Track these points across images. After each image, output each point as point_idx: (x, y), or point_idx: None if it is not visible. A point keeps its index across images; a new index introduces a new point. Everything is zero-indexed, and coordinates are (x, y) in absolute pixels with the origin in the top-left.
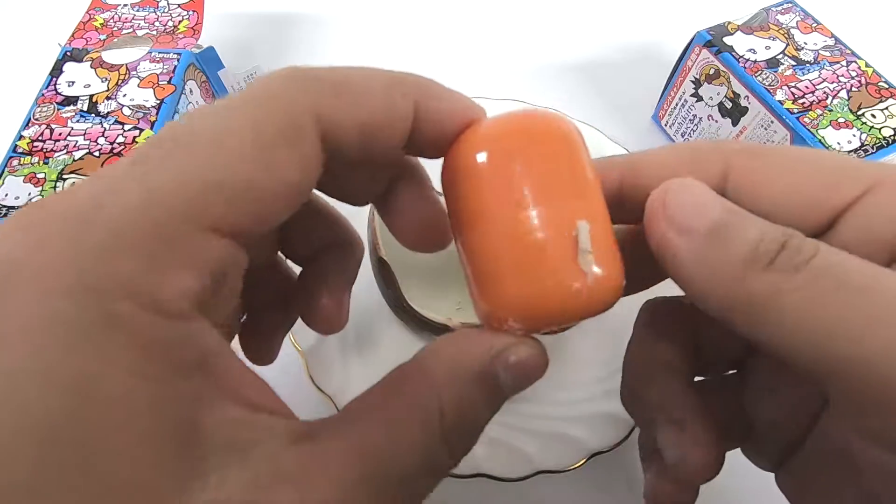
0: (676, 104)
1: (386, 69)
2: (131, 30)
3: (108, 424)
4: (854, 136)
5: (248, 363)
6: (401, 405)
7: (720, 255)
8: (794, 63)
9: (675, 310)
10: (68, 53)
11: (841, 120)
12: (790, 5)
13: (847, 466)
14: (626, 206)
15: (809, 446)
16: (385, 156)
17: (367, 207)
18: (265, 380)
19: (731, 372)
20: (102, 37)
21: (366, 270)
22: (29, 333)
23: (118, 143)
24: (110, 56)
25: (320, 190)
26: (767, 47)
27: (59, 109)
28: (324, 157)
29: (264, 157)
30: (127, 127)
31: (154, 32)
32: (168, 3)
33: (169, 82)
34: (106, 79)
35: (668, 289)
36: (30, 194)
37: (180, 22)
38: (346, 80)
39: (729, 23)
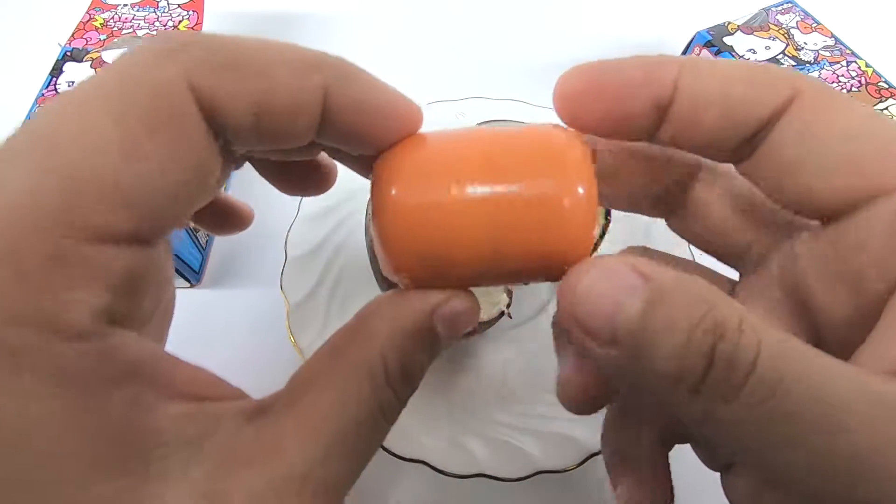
0: None
1: (297, 45)
2: (131, 30)
3: (26, 456)
4: None
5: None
6: (347, 365)
7: (643, 372)
8: (794, 63)
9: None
10: (68, 53)
11: None
12: (790, 5)
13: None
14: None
15: None
16: (291, 143)
17: (367, 213)
18: (265, 379)
19: None
20: (102, 37)
21: (366, 278)
22: None
23: None
24: (110, 56)
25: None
26: (767, 47)
27: None
28: (217, 142)
29: (127, 149)
30: None
31: (154, 32)
32: (168, 3)
33: None
34: None
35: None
36: None
37: (180, 22)
38: (237, 51)
39: (729, 23)
